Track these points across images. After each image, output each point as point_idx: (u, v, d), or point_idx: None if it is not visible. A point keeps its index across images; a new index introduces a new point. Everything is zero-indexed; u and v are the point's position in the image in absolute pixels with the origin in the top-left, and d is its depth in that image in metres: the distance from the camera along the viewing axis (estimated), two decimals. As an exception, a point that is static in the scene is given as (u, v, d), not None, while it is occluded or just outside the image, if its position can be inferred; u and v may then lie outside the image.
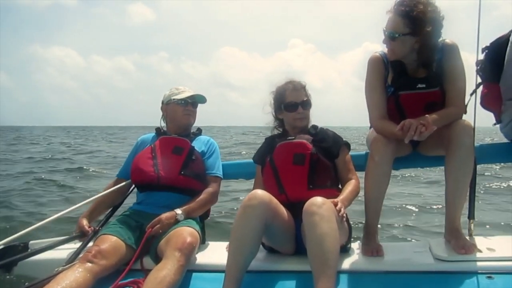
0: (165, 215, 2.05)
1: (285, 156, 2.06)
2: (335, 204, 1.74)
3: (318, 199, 1.68)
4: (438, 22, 1.90)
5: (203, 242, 2.29)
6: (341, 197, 1.88)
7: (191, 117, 2.42)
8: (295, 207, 1.86)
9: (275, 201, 1.84)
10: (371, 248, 1.97)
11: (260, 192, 1.80)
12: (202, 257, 2.06)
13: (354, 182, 2.02)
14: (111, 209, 2.39)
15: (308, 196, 1.74)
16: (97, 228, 2.22)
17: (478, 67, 2.22)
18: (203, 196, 2.22)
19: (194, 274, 1.91)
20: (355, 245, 2.09)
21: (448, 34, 1.96)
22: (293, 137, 2.13)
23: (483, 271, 1.68)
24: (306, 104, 2.16)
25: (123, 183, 2.39)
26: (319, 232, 1.60)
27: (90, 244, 2.05)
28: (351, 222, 2.03)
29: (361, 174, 2.08)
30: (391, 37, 1.92)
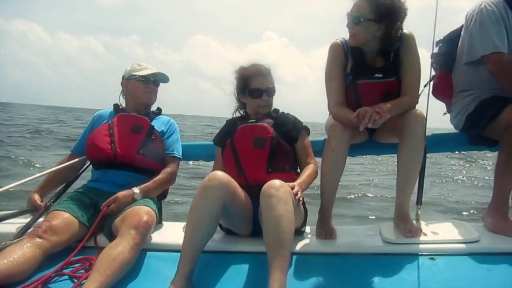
0: (122, 193, 2.02)
1: (246, 139, 2.07)
2: (292, 188, 1.78)
3: (276, 182, 1.71)
4: (403, 13, 1.94)
5: (159, 222, 2.28)
6: (298, 180, 1.92)
7: (152, 95, 2.38)
8: (254, 190, 1.88)
9: (234, 183, 1.85)
10: (325, 231, 2.03)
11: (220, 174, 1.80)
12: (158, 237, 2.05)
13: (312, 167, 2.06)
14: (64, 185, 2.31)
15: (267, 179, 1.76)
16: (49, 204, 2.14)
17: (433, 60, 2.31)
18: (161, 176, 2.20)
19: (148, 253, 1.90)
20: (310, 229, 2.14)
21: (405, 27, 2.01)
22: (255, 120, 2.14)
23: (427, 253, 1.77)
24: (270, 91, 2.16)
25: (77, 159, 2.32)
26: (275, 214, 1.63)
27: (41, 219, 1.99)
28: (307, 206, 2.08)
29: (320, 160, 2.12)
30: (355, 21, 1.94)
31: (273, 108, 2.22)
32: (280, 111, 2.23)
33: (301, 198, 1.81)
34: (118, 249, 1.70)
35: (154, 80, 2.37)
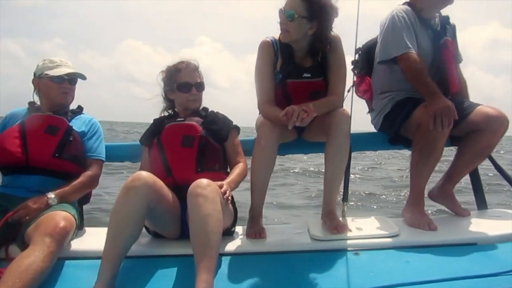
0: (33, 199, 1.86)
1: (174, 137, 2.00)
2: (221, 186, 1.75)
3: (203, 181, 1.67)
4: (334, 13, 2.00)
5: (80, 228, 2.13)
6: (227, 180, 1.89)
7: (69, 95, 2.18)
8: (182, 190, 1.81)
9: (160, 183, 1.78)
10: (255, 231, 2.02)
11: (144, 174, 1.72)
12: (78, 244, 1.92)
13: (242, 166, 2.04)
14: None
15: (195, 179, 1.71)
16: None
17: (353, 66, 2.42)
18: (81, 179, 2.05)
19: (67, 262, 1.76)
20: (240, 229, 2.13)
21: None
22: (183, 119, 2.08)
23: (351, 248, 1.83)
24: (200, 86, 2.12)
25: None
26: (203, 214, 1.59)
27: None
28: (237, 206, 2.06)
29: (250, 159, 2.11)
30: (289, 18, 1.96)
31: (202, 106, 2.17)
32: (210, 109, 2.20)
33: (229, 198, 1.79)
34: (29, 259, 1.55)
35: (70, 79, 2.18)
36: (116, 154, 2.40)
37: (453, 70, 2.20)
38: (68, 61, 2.22)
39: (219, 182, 1.77)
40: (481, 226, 2.06)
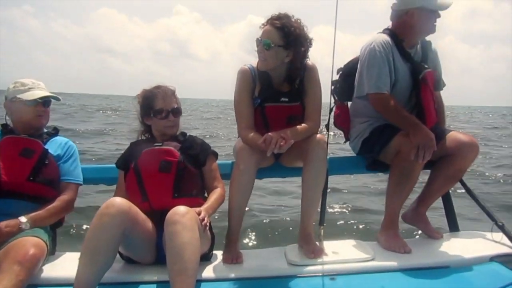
0: (5, 223, 1.80)
1: (151, 163, 1.99)
2: (199, 213, 1.75)
3: (181, 208, 1.66)
4: (308, 42, 2.07)
5: (52, 253, 2.07)
6: (205, 205, 1.89)
7: (43, 118, 2.14)
8: (159, 216, 1.81)
9: (135, 209, 1.76)
10: (231, 256, 2.01)
11: (119, 200, 1.71)
12: (50, 270, 1.88)
13: (220, 191, 2.05)
14: None
15: (172, 205, 1.71)
16: None
17: (333, 87, 2.47)
18: (55, 203, 2.00)
19: None
20: (218, 253, 2.11)
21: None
22: (161, 144, 2.07)
23: (328, 273, 1.83)
24: (177, 112, 2.13)
25: None
26: (180, 242, 1.58)
27: None
28: (215, 230, 2.05)
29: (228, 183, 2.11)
30: (266, 47, 2.01)
31: (180, 131, 2.18)
32: (188, 134, 2.20)
33: (207, 224, 1.78)
34: None
35: (44, 101, 2.13)
36: (91, 176, 2.36)
37: (430, 106, 2.22)
38: (41, 82, 2.19)
39: (197, 209, 1.77)
40: (454, 248, 2.11)
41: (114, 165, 2.15)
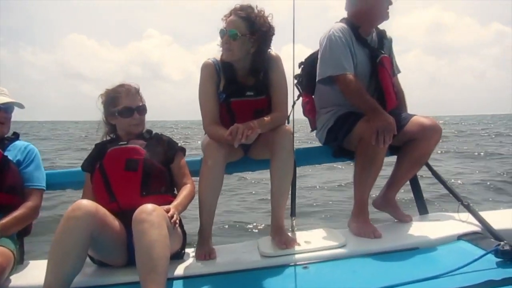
0: None
1: (117, 162, 1.96)
2: (167, 211, 1.73)
3: (148, 206, 1.64)
4: (272, 31, 2.07)
5: (20, 262, 2.02)
6: (174, 203, 1.87)
7: (5, 125, 2.09)
8: (128, 216, 1.76)
9: (103, 210, 1.73)
10: (204, 252, 2.00)
11: (85, 202, 1.67)
12: (18, 279, 1.83)
13: (189, 187, 2.03)
14: None
15: (141, 203, 1.69)
16: None
17: (297, 81, 2.49)
18: (20, 211, 1.94)
19: None
20: (190, 250, 2.10)
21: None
22: (126, 142, 2.04)
23: (300, 262, 1.86)
24: (142, 110, 2.10)
25: None
26: (148, 240, 1.56)
27: None
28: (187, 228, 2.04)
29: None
30: (232, 36, 2.00)
31: (146, 129, 2.15)
32: (154, 132, 2.17)
33: (177, 221, 1.76)
34: None
35: (6, 107, 2.08)
36: (57, 181, 2.31)
37: (389, 88, 2.30)
38: (4, 88, 2.13)
39: (166, 206, 1.75)
40: (423, 230, 2.16)
41: (80, 168, 2.10)
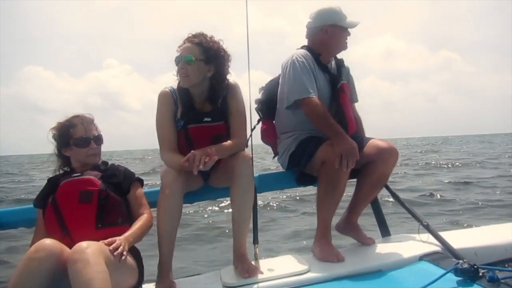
0: None
1: (70, 194, 1.88)
2: (111, 243, 1.65)
3: (82, 244, 1.56)
4: (228, 58, 2.10)
5: None
6: (126, 234, 1.79)
7: None
8: None
9: (68, 251, 1.62)
10: (164, 286, 1.92)
11: (49, 242, 1.59)
12: None
13: (146, 217, 1.95)
14: None
15: (96, 236, 1.62)
16: None
17: (257, 106, 2.51)
18: None
19: None
20: (150, 286, 2.00)
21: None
22: (80, 174, 1.97)
23: None
24: (98, 139, 2.05)
25: None
26: (83, 279, 1.46)
27: None
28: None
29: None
30: (188, 62, 2.01)
31: (101, 160, 2.09)
32: (110, 163, 2.12)
33: (123, 253, 1.66)
34: None
35: None
36: (7, 220, 2.19)
37: (350, 113, 2.37)
38: None
39: (109, 239, 1.68)
40: (385, 252, 2.17)
41: (32, 205, 2.00)
